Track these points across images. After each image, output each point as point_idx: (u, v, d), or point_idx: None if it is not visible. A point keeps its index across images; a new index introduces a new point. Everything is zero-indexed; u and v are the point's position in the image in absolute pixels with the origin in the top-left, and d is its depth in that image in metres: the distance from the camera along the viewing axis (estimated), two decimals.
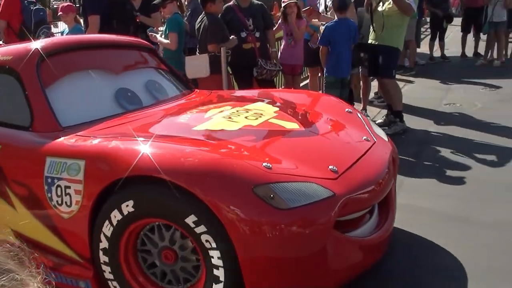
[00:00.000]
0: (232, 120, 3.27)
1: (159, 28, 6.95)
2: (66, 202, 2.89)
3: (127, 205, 2.67)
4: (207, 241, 2.55)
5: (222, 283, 2.58)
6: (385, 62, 6.18)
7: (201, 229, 2.54)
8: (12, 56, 3.38)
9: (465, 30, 11.32)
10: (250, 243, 2.50)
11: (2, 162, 3.12)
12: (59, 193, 2.91)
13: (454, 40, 12.57)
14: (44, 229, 3.02)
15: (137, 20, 6.28)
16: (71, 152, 2.91)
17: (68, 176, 2.87)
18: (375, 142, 3.30)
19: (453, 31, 12.80)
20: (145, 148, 2.73)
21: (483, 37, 10.97)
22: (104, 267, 2.84)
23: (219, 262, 2.55)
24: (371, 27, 6.20)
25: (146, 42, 4.27)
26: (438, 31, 11.10)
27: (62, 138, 3.04)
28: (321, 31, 6.08)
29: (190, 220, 2.54)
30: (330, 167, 2.83)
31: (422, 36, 12.61)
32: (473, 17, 10.87)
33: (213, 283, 2.61)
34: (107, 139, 2.93)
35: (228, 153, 2.75)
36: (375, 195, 2.94)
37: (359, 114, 3.74)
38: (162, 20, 7.02)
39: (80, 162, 2.84)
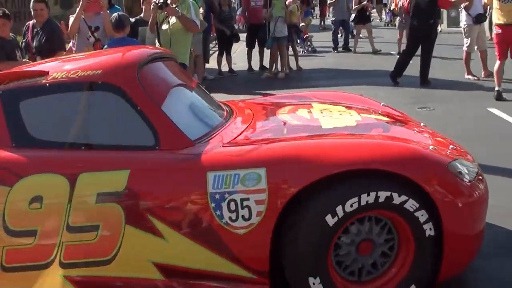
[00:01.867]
0: (335, 118, 3.42)
1: None
2: (243, 216, 2.70)
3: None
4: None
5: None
6: None
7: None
8: (102, 70, 2.94)
9: (250, 45, 12.36)
10: (454, 214, 2.76)
11: (138, 189, 2.72)
12: (232, 208, 2.70)
13: (241, 55, 13.56)
14: (207, 252, 2.74)
15: None
16: (243, 162, 2.74)
17: (245, 188, 2.70)
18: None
19: (240, 46, 13.78)
20: (336, 145, 2.79)
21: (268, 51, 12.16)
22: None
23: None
24: (157, 45, 6.29)
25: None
26: (226, 46, 11.93)
27: (217, 150, 2.82)
28: None
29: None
30: (451, 146, 3.24)
31: (211, 52, 13.30)
32: (257, 32, 11.97)
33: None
34: (281, 142, 2.86)
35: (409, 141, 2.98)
36: None
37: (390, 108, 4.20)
38: None
39: (259, 170, 2.71)
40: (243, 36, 12.22)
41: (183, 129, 2.93)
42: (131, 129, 2.88)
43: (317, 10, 28.29)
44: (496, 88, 8.01)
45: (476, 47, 9.78)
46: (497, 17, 7.90)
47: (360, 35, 14.94)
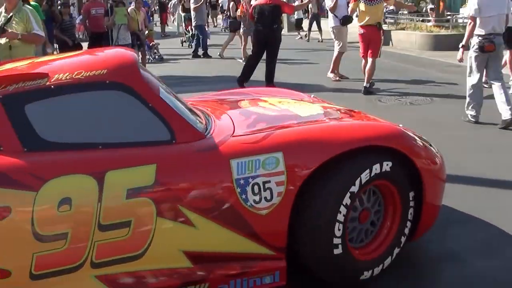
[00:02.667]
0: (300, 107, 3.76)
1: None
2: (265, 198, 2.94)
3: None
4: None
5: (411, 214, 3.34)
6: None
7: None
8: (107, 69, 2.93)
9: None
10: (431, 180, 3.34)
11: (167, 181, 2.80)
12: (256, 191, 2.93)
13: None
14: (233, 234, 2.92)
15: None
16: (261, 148, 2.97)
17: (266, 171, 2.94)
18: None
19: None
20: (337, 127, 3.17)
21: None
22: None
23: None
24: None
25: None
26: None
27: (232, 140, 3.01)
28: None
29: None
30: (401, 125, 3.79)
31: None
32: (99, 41, 11.69)
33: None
34: (286, 128, 3.15)
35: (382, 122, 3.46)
36: None
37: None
38: None
39: (277, 154, 2.97)
40: (84, 45, 11.90)
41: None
42: (145, 126, 2.92)
43: (156, 17, 28.11)
44: (364, 84, 9.02)
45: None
46: (362, 19, 8.87)
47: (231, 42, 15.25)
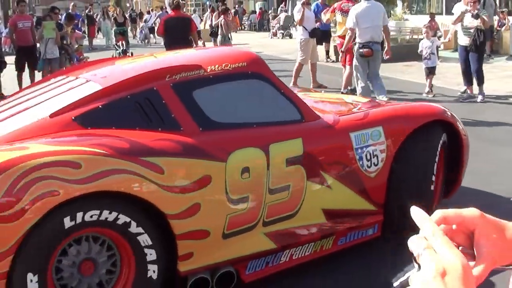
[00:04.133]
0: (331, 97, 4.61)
1: None
2: (374, 163, 3.71)
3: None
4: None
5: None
6: None
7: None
8: (246, 62, 3.52)
9: (20, 68, 11.64)
10: (467, 149, 4.29)
11: (311, 151, 3.46)
12: (368, 157, 3.68)
13: (10, 78, 12.45)
14: (354, 194, 3.64)
15: None
16: (366, 124, 3.74)
17: (373, 142, 3.71)
18: None
19: (9, 69, 12.56)
20: (408, 106, 4.06)
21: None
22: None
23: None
24: None
25: None
26: None
27: (343, 118, 3.73)
28: None
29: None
30: None
31: None
32: (26, 54, 11.41)
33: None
34: (381, 107, 3.95)
35: None
36: None
37: None
38: None
39: (379, 128, 3.75)
40: (10, 58, 11.64)
41: None
42: (282, 108, 3.55)
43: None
44: (341, 90, 9.21)
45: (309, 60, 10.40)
46: (339, 29, 9.39)
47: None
